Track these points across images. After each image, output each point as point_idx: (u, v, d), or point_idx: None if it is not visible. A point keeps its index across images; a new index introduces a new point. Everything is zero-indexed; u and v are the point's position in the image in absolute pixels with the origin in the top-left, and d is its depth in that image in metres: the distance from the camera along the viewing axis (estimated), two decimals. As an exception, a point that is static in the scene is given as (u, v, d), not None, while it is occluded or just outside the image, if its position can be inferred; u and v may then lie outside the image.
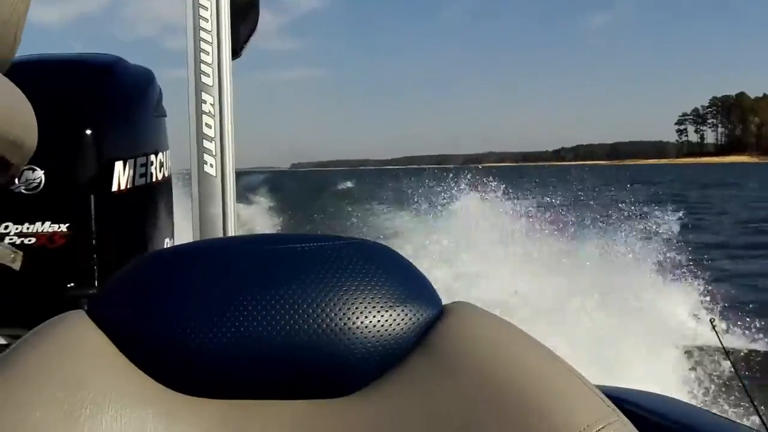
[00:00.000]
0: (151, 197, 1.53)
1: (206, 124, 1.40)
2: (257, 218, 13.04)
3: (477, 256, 6.51)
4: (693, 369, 4.33)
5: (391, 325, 0.56)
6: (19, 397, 0.49)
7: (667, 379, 4.00)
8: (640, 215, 7.75)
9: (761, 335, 5.23)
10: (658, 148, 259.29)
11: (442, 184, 9.53)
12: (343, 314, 0.56)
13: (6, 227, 1.30)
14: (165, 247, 1.54)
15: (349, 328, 0.55)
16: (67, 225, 1.32)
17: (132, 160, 1.44)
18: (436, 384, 0.54)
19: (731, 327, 5.25)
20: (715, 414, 0.76)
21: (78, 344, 0.54)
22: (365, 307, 0.56)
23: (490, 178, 9.32)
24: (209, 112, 1.40)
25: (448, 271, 6.20)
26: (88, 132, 1.36)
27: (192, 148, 1.41)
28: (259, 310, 0.55)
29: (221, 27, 1.41)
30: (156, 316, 0.55)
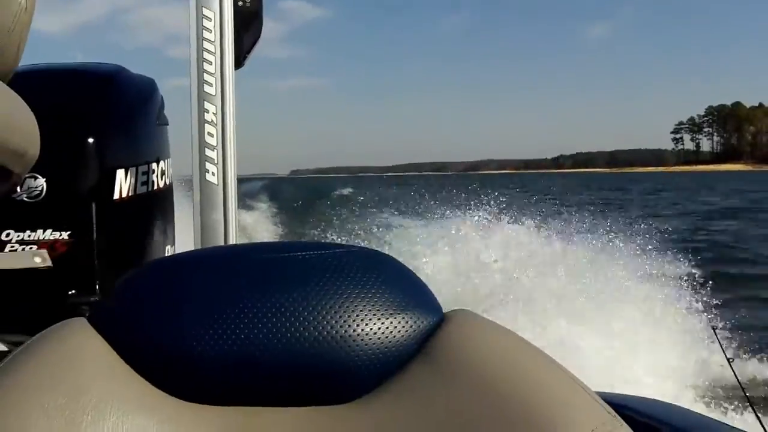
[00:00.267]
0: (153, 205, 1.53)
1: (208, 132, 1.41)
2: (257, 225, 12.97)
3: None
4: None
5: (392, 332, 0.57)
6: (21, 404, 0.49)
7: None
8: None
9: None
10: (656, 156, 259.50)
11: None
12: (344, 322, 0.56)
13: (8, 235, 1.30)
14: (166, 254, 1.54)
15: (350, 336, 0.56)
16: (68, 233, 1.32)
17: (134, 169, 1.44)
18: (436, 391, 0.54)
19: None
20: (717, 421, 0.76)
21: (80, 351, 0.54)
22: (366, 315, 0.57)
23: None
24: (212, 121, 1.40)
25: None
26: (90, 140, 1.36)
27: (194, 157, 1.42)
28: (260, 317, 0.55)
29: (224, 37, 1.41)
30: (157, 323, 0.56)
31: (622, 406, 0.65)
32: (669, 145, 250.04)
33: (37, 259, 1.23)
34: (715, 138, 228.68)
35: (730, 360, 1.83)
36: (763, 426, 0.98)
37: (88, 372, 0.53)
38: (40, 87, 1.37)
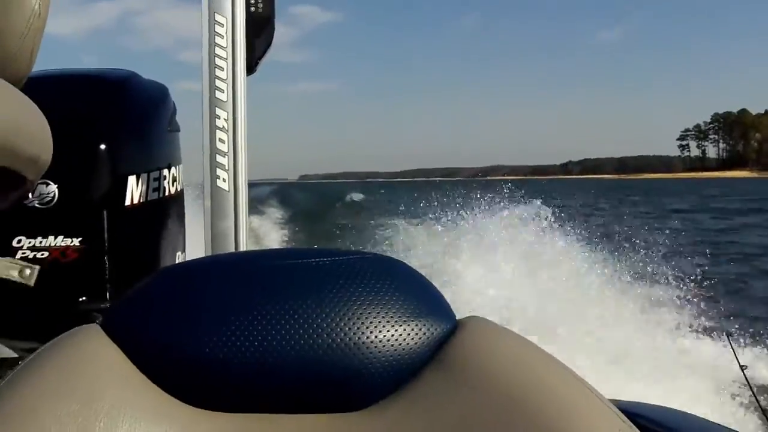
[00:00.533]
0: (164, 211, 1.53)
1: (220, 139, 1.41)
2: (264, 229, 12.94)
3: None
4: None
5: (405, 339, 0.57)
6: (34, 411, 0.49)
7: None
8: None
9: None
10: (664, 162, 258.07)
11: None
12: (358, 329, 0.56)
13: (19, 241, 1.31)
14: (177, 260, 1.54)
15: (363, 343, 0.56)
16: (79, 239, 1.33)
17: (145, 175, 1.44)
18: (450, 399, 0.54)
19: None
20: (733, 430, 0.75)
21: (93, 358, 0.54)
22: (380, 322, 0.56)
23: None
24: (223, 127, 1.40)
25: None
26: (102, 147, 1.37)
27: (205, 163, 1.42)
28: (273, 324, 0.55)
29: (236, 42, 1.42)
30: (170, 330, 0.56)
31: (636, 414, 0.65)
32: (676, 152, 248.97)
33: (26, 272, 1.18)
34: (721, 145, 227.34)
35: (743, 367, 1.81)
36: None
37: (102, 379, 0.53)
38: (53, 93, 1.38)
